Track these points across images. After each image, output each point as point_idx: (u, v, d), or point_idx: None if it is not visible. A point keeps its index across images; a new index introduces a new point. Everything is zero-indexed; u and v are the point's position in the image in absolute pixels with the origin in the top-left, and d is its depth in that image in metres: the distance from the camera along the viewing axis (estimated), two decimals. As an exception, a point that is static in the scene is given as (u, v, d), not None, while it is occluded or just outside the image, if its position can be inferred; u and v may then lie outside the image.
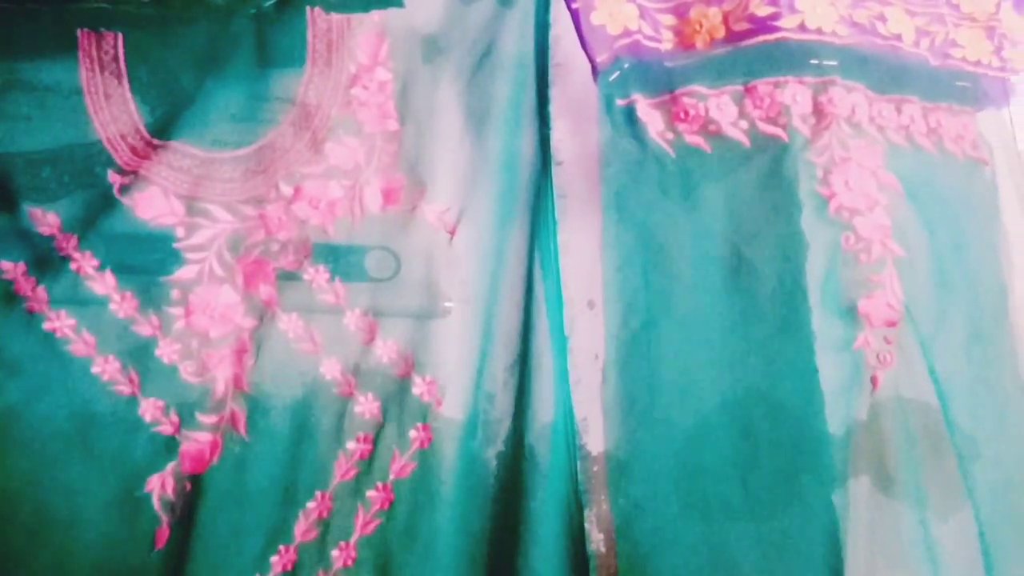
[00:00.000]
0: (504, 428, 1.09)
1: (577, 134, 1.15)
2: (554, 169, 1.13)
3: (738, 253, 1.07)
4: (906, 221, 1.09)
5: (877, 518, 1.03)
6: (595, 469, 1.08)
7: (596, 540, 1.06)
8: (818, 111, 1.09)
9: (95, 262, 1.02)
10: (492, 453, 1.08)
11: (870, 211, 1.08)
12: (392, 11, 1.15)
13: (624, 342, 1.09)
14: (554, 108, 1.15)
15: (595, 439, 1.08)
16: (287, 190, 1.08)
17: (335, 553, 1.02)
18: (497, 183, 1.14)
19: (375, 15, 1.14)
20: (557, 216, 1.12)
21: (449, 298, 1.11)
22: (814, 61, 1.10)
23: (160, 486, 0.99)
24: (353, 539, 1.03)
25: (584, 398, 1.08)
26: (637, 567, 1.04)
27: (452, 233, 1.12)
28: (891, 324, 1.06)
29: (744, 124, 1.10)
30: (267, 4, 1.12)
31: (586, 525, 1.06)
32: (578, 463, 1.07)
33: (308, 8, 1.13)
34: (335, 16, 1.14)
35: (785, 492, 1.02)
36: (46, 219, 1.03)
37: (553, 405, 1.09)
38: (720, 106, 1.10)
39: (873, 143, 1.11)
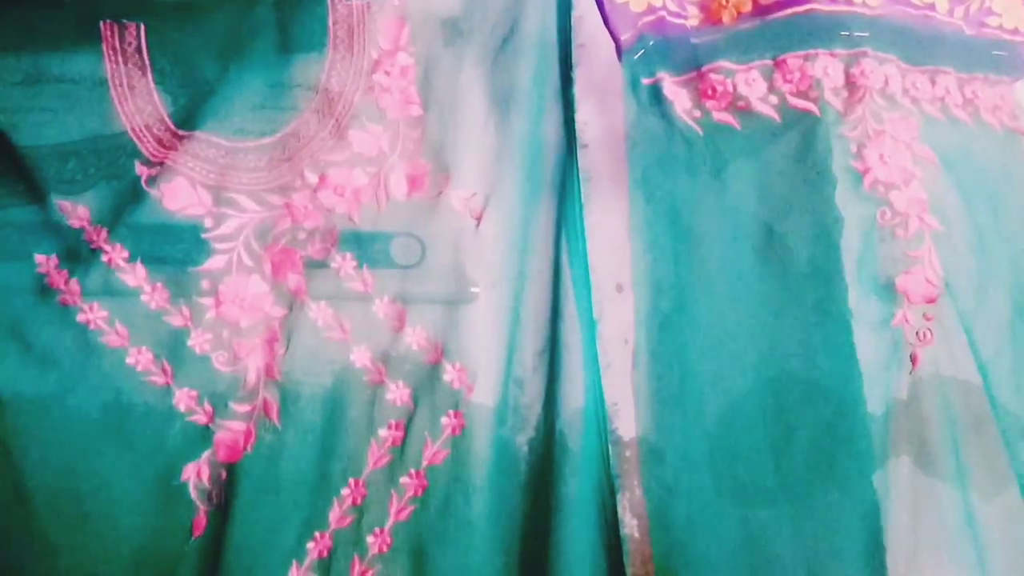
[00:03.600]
0: (535, 414, 1.09)
1: (602, 115, 1.13)
2: (579, 151, 1.12)
3: (770, 231, 1.05)
4: (943, 194, 1.07)
5: (919, 499, 1.01)
6: (627, 454, 1.07)
7: (630, 525, 1.05)
8: (850, 84, 1.06)
9: (125, 254, 1.03)
10: (523, 439, 1.08)
11: (906, 185, 1.06)
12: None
13: (654, 325, 1.07)
14: (578, 89, 1.13)
15: (627, 424, 1.07)
16: (312, 178, 1.08)
17: (370, 539, 1.03)
18: (522, 167, 1.13)
19: (395, 0, 1.13)
20: (583, 199, 1.11)
21: (476, 283, 1.10)
22: (844, 33, 1.07)
23: (196, 475, 1.00)
24: (388, 525, 1.03)
25: (614, 383, 1.07)
26: (672, 552, 1.03)
27: (478, 219, 1.11)
28: (930, 300, 1.04)
29: (774, 99, 1.07)
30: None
31: (619, 510, 1.05)
32: (610, 448, 1.06)
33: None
34: (355, 2, 1.13)
35: (822, 474, 1.00)
36: (76, 211, 1.03)
37: (583, 390, 1.08)
38: (749, 81, 1.08)
39: (907, 115, 1.08)
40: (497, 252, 1.11)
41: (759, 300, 1.04)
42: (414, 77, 1.13)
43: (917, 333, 1.03)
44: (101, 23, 1.06)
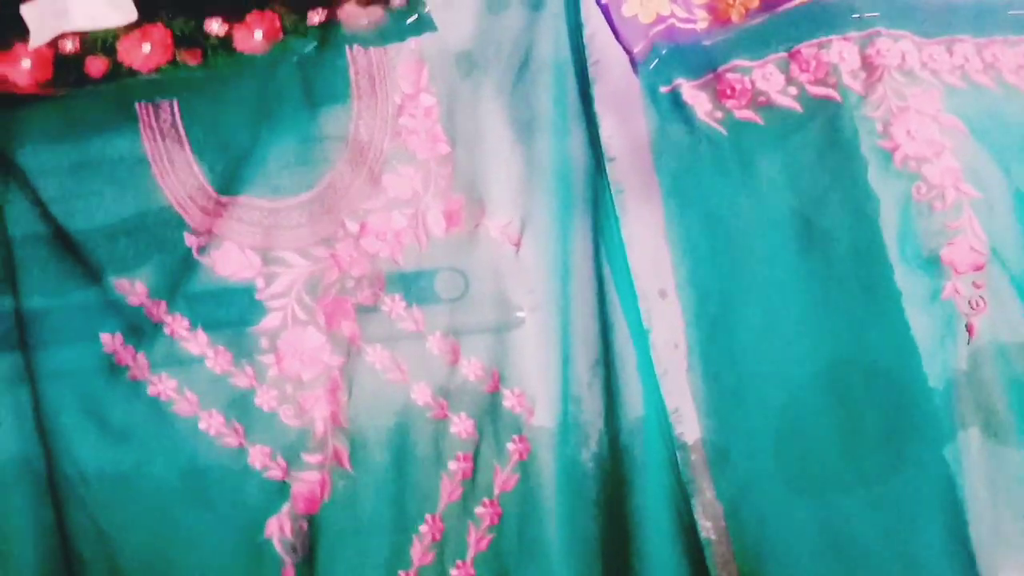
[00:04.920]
0: (596, 429, 1.10)
1: (625, 128, 1.15)
2: (608, 166, 1.14)
3: (807, 221, 1.06)
4: (976, 161, 1.06)
5: (993, 467, 1.01)
6: (694, 457, 1.08)
7: (706, 528, 1.06)
8: (867, 65, 1.07)
9: (186, 323, 1.06)
10: (588, 455, 1.09)
11: (937, 157, 1.06)
12: (427, 35, 1.17)
13: (704, 328, 1.08)
14: (599, 105, 1.15)
15: (690, 428, 1.08)
16: (353, 227, 1.11)
17: (454, 573, 1.04)
18: (554, 188, 1.15)
19: (411, 43, 1.16)
20: (618, 211, 1.12)
21: (521, 308, 1.12)
22: (855, 15, 1.08)
23: (279, 529, 1.03)
24: (469, 557, 1.05)
25: (672, 388, 1.09)
26: (752, 549, 1.04)
27: (517, 244, 1.13)
28: (978, 268, 1.04)
29: (793, 90, 1.08)
30: (307, 50, 1.14)
31: (695, 515, 1.06)
32: (677, 454, 1.07)
33: (347, 47, 1.15)
34: (373, 50, 1.16)
35: (893, 455, 1.00)
36: (133, 288, 1.07)
37: (642, 399, 1.10)
38: (766, 76, 1.09)
39: (929, 88, 1.09)
40: (539, 275, 1.13)
41: (805, 290, 1.05)
42: (438, 116, 1.16)
43: (969, 302, 1.03)
44: (136, 104, 1.10)
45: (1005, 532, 0.99)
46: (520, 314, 1.12)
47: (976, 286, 1.03)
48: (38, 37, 1.09)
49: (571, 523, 1.06)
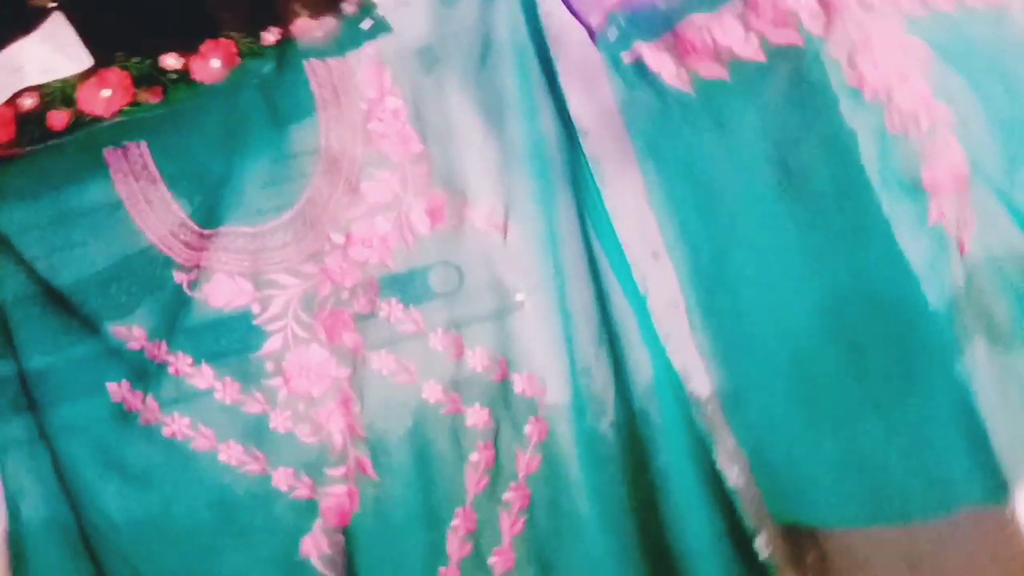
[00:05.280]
0: (609, 398, 1.11)
1: (593, 100, 1.15)
2: (582, 140, 1.14)
3: (786, 165, 1.06)
4: (945, 81, 1.07)
5: (1005, 377, 1.02)
6: (710, 410, 1.10)
7: (733, 475, 1.08)
8: (824, 5, 1.07)
9: (189, 359, 1.06)
10: (606, 425, 1.10)
11: (904, 82, 1.06)
12: (384, 37, 1.17)
13: (699, 283, 1.10)
14: (564, 82, 1.15)
15: (700, 384, 1.10)
16: (339, 238, 1.11)
17: (493, 560, 1.06)
18: (531, 170, 1.15)
19: (369, 47, 1.16)
20: (598, 183, 1.13)
21: (518, 291, 1.12)
22: (807, -45, 1.08)
23: (315, 546, 1.04)
24: (505, 542, 1.06)
25: (677, 348, 1.10)
26: (778, 490, 1.06)
27: (504, 230, 1.14)
28: (959, 186, 1.05)
29: (754, 40, 1.08)
30: (266, 71, 1.14)
31: (718, 466, 1.07)
32: (692, 411, 1.08)
33: (305, 62, 1.15)
34: (333, 61, 1.16)
35: (904, 379, 1.02)
36: (131, 333, 1.07)
37: (650, 363, 1.11)
38: (725, 29, 1.09)
39: (889, 19, 1.09)
40: (530, 256, 1.13)
41: (794, 232, 1.06)
42: (406, 116, 1.16)
43: (957, 221, 1.04)
44: (104, 151, 1.10)
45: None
46: (519, 297, 1.13)
47: (962, 205, 1.04)
48: (-5, 98, 1.09)
49: (600, 493, 1.07)
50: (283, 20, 1.18)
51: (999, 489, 0.98)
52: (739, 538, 1.06)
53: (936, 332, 1.00)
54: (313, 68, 1.16)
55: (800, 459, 1.05)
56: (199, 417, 1.05)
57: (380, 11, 1.19)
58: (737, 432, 1.07)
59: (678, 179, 1.10)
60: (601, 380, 1.11)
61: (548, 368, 1.11)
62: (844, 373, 1.04)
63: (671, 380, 1.10)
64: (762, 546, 1.07)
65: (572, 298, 1.13)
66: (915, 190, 1.04)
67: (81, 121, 1.11)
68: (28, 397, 1.05)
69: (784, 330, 1.07)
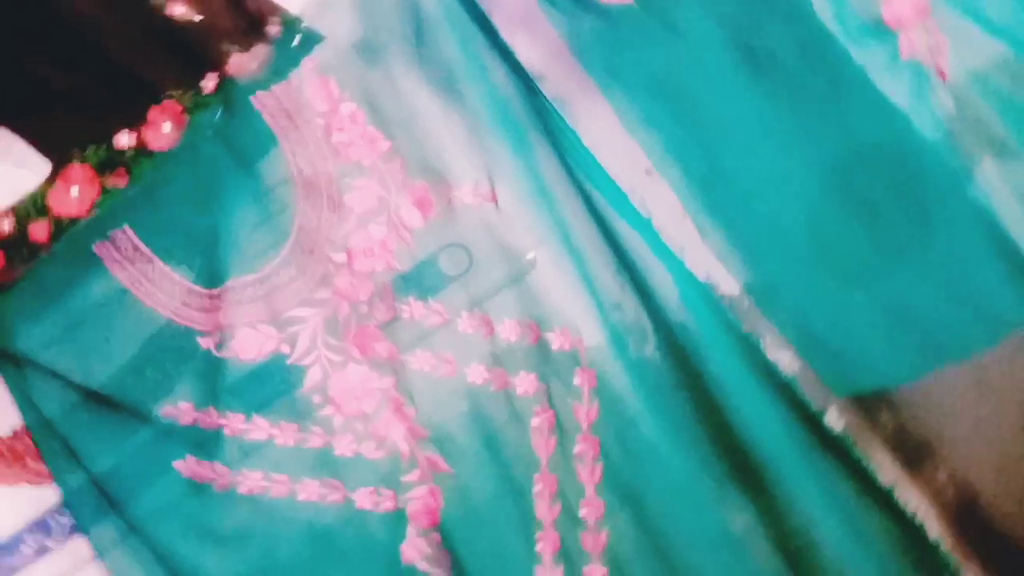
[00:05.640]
0: (646, 324, 1.12)
1: (538, 42, 1.14)
2: (540, 86, 1.13)
3: (749, 48, 1.04)
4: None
5: (1015, 185, 1.01)
6: (745, 307, 1.10)
7: (785, 363, 1.09)
8: None
9: (240, 417, 1.09)
10: (650, 350, 1.11)
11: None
12: (318, 47, 1.15)
13: (698, 190, 1.09)
14: (505, 34, 1.14)
15: (728, 285, 1.10)
16: (341, 257, 1.12)
17: (584, 512, 1.08)
18: (501, 131, 1.14)
19: (307, 63, 1.15)
20: (571, 124, 1.12)
21: (527, 250, 1.13)
22: None
23: (415, 550, 1.07)
24: (590, 492, 1.09)
25: (696, 258, 1.10)
26: (832, 363, 1.07)
27: (494, 199, 1.13)
28: (922, 14, 1.02)
29: (676, -68, 1.06)
30: (217, 119, 1.14)
31: (768, 358, 1.08)
32: (728, 314, 1.09)
33: (250, 98, 1.14)
34: (276, 88, 1.15)
35: (922, 218, 1.02)
36: (180, 410, 1.10)
37: (672, 281, 1.11)
38: (643, -69, 1.07)
39: None
40: (527, 213, 1.13)
41: (776, 110, 1.05)
42: (364, 118, 1.15)
43: (928, 48, 1.02)
44: (93, 247, 1.11)
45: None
46: (529, 256, 1.13)
47: (928, 32, 1.02)
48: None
49: (664, 416, 1.09)
50: (216, 63, 1.17)
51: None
52: (808, 421, 1.07)
53: (940, 163, 0.99)
54: (261, 100, 1.15)
55: (843, 327, 1.05)
56: (268, 467, 1.08)
57: (305, 23, 1.17)
58: (776, 320, 1.07)
59: (646, 95, 1.09)
60: (632, 310, 1.12)
61: (578, 316, 1.11)
62: (861, 229, 1.04)
63: (699, 290, 1.10)
64: (833, 422, 1.08)
65: (580, 240, 1.13)
66: (880, 31, 1.02)
67: (61, 226, 1.12)
68: (107, 499, 1.08)
69: (792, 206, 1.07)
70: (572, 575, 1.05)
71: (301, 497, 1.08)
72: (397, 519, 1.07)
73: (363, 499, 1.07)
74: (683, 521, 1.06)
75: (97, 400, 1.10)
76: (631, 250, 1.13)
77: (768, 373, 1.09)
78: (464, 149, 1.15)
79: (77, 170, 1.13)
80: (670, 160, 1.09)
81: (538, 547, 1.06)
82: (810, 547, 1.05)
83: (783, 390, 1.08)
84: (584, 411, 1.10)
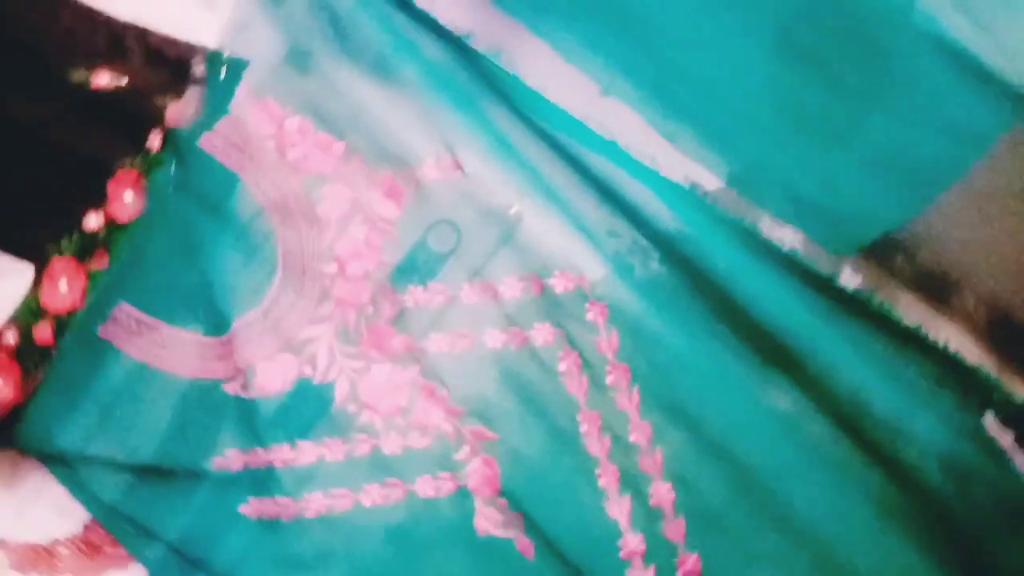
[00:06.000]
0: (643, 243, 1.12)
1: (455, 1, 1.12)
2: (471, 43, 1.12)
3: None
4: None
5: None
6: (731, 198, 1.10)
7: (787, 239, 1.09)
8: None
9: (285, 447, 1.11)
10: (655, 265, 1.11)
11: None
12: (248, 75, 1.15)
13: (653, 95, 1.09)
14: (420, 2, 1.14)
15: (709, 180, 1.10)
16: (331, 268, 1.13)
17: (633, 438, 1.09)
18: (446, 98, 1.14)
19: (241, 90, 1.15)
20: (511, 71, 1.11)
21: (509, 204, 1.13)
22: None
23: (488, 521, 1.09)
24: (634, 418, 1.10)
25: (670, 165, 1.11)
26: (830, 226, 1.07)
27: (460, 167, 1.13)
28: None
29: None
30: (173, 173, 1.14)
31: (769, 238, 1.08)
32: (717, 209, 1.09)
33: (197, 143, 1.15)
34: (219, 125, 1.15)
35: (875, 53, 1.00)
36: (229, 460, 1.12)
37: (654, 194, 1.12)
38: None
39: None
40: (497, 171, 1.14)
41: None
42: (312, 126, 1.15)
43: None
44: (96, 333, 1.13)
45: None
46: (513, 211, 1.13)
47: None
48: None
49: (684, 325, 1.10)
50: (156, 120, 1.18)
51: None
52: (825, 289, 1.08)
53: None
54: (209, 142, 1.16)
55: (832, 187, 1.05)
56: (327, 485, 1.11)
57: (227, 53, 1.17)
58: (766, 201, 1.07)
59: (576, 21, 1.08)
60: (626, 233, 1.12)
61: (575, 255, 1.12)
62: (822, 88, 1.03)
63: (683, 195, 1.10)
64: (848, 281, 1.08)
65: (556, 181, 1.13)
66: None
67: (62, 322, 1.13)
68: (190, 561, 1.11)
69: (750, 84, 1.07)
70: (639, 500, 1.07)
71: (367, 504, 1.10)
72: (462, 497, 1.09)
73: (424, 488, 1.10)
74: (730, 417, 1.07)
75: (151, 473, 1.13)
76: (607, 176, 1.13)
77: (773, 254, 1.09)
78: (416, 127, 1.15)
79: (59, 264, 1.15)
80: (618, 77, 1.08)
81: (601, 483, 1.08)
82: (858, 407, 1.06)
83: (792, 265, 1.09)
84: (606, 342, 1.11)
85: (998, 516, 1.03)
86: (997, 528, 1.03)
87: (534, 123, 1.13)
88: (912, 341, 1.08)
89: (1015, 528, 1.03)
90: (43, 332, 1.14)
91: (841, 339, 1.07)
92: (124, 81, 1.21)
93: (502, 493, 1.09)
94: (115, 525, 1.12)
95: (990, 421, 1.04)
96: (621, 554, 1.05)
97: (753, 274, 1.09)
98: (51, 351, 1.13)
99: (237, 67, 1.18)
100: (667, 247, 1.11)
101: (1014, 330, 1.06)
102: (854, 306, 1.08)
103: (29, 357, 1.13)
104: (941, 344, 1.07)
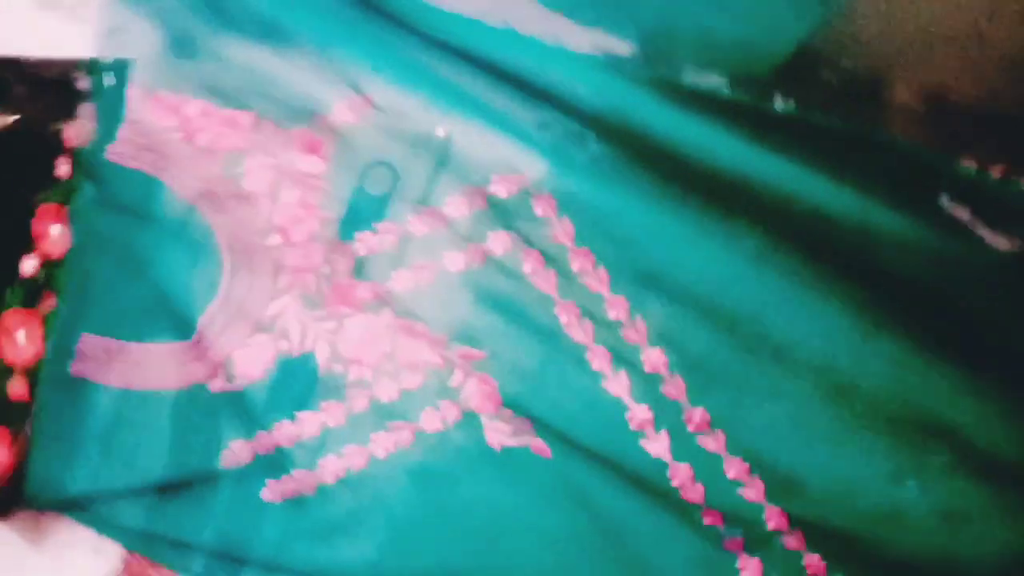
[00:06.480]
0: (573, 126, 1.11)
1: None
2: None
3: None
4: None
5: None
6: (647, 54, 1.08)
7: (713, 80, 1.08)
8: None
9: (285, 424, 1.12)
10: (593, 146, 1.10)
11: None
12: (135, 75, 1.13)
13: None
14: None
15: (619, 46, 1.09)
16: (276, 239, 1.13)
17: (612, 315, 1.09)
18: (336, 38, 1.12)
19: (132, 92, 1.13)
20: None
21: (434, 128, 1.11)
22: None
23: (499, 435, 1.09)
24: (607, 295, 1.09)
25: (576, 39, 1.09)
26: (741, 54, 1.05)
27: (371, 104, 1.11)
28: None
29: None
30: (91, 195, 1.12)
31: (692, 85, 1.08)
32: (639, 74, 1.08)
33: (104, 156, 1.12)
34: (121, 131, 1.13)
35: None
36: (236, 453, 1.13)
37: (569, 73, 1.10)
38: None
39: None
40: (410, 97, 1.11)
41: None
42: (212, 105, 1.13)
43: None
44: (69, 372, 1.12)
45: None
46: (440, 132, 1.12)
47: None
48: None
49: (638, 191, 1.08)
50: (57, 146, 1.15)
51: None
52: (761, 121, 1.07)
53: None
54: (116, 153, 1.13)
55: (740, 16, 1.03)
56: (337, 447, 1.11)
57: (106, 59, 1.14)
58: (681, 52, 1.06)
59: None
60: (555, 121, 1.10)
61: (510, 157, 1.11)
62: None
63: (597, 64, 1.09)
64: (780, 105, 1.08)
65: (473, 91, 1.11)
66: None
67: (31, 372, 1.13)
68: (233, 560, 1.12)
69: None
70: (634, 371, 1.08)
71: (381, 455, 1.11)
72: (468, 420, 1.10)
73: (430, 422, 1.11)
74: (700, 270, 1.07)
75: (168, 489, 1.14)
76: (523, 72, 1.11)
77: (703, 102, 1.08)
78: (318, 77, 1.12)
79: (11, 318, 1.13)
80: None
81: (594, 366, 1.09)
82: (821, 224, 1.06)
83: (725, 108, 1.08)
84: (561, 232, 1.10)
85: (976, 289, 1.04)
86: (978, 301, 1.05)
87: (435, 39, 1.11)
88: (856, 145, 1.07)
89: (994, 296, 1.04)
90: (17, 388, 1.13)
91: (790, 166, 1.07)
92: (13, 119, 1.18)
93: (504, 404, 1.09)
94: (151, 549, 1.13)
95: (946, 201, 1.04)
96: (631, 426, 1.07)
97: (690, 127, 1.08)
98: (30, 406, 1.13)
99: (121, 69, 1.14)
100: (600, 124, 1.10)
101: (952, 109, 1.06)
102: (794, 130, 1.08)
103: (11, 417, 1.12)
104: (886, 140, 1.07)
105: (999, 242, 1.03)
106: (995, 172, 1.06)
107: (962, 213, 1.04)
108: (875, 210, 1.04)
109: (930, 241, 1.04)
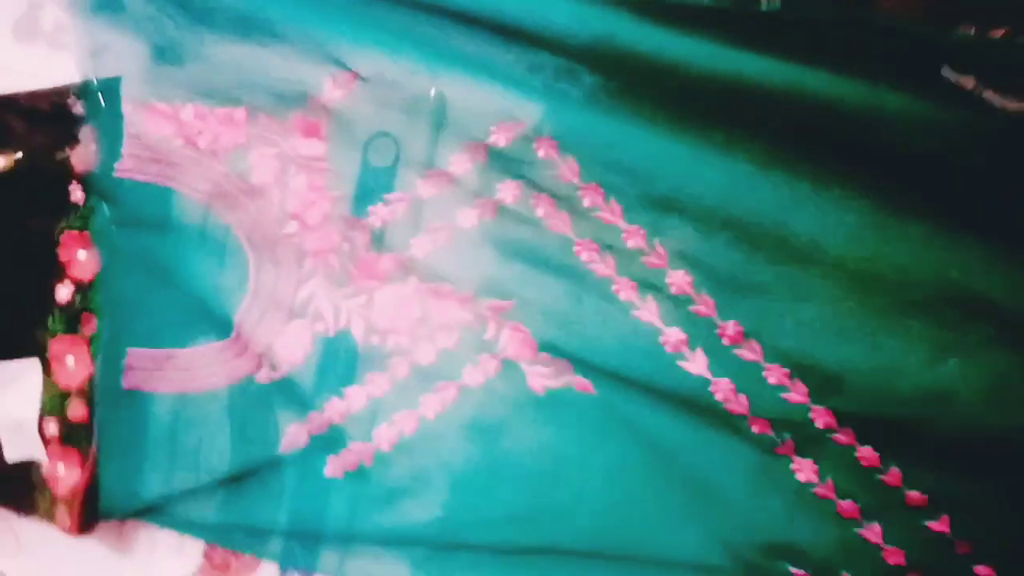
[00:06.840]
0: (563, 63, 1.10)
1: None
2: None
3: None
4: None
5: None
6: None
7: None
8: None
9: (335, 400, 1.15)
10: (587, 79, 1.09)
11: None
12: (125, 90, 1.15)
13: None
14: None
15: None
16: (293, 227, 1.15)
17: (630, 244, 1.09)
18: (313, 19, 1.12)
19: (127, 108, 1.15)
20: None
21: (428, 91, 1.11)
22: None
23: (541, 378, 1.10)
24: (623, 226, 1.09)
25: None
26: None
27: (360, 76, 1.12)
28: None
29: None
30: (108, 216, 1.15)
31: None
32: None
33: (113, 175, 1.14)
34: (125, 148, 1.15)
35: None
36: (294, 438, 1.17)
37: (548, 12, 1.09)
38: None
39: None
40: (396, 63, 1.11)
41: None
42: (204, 107, 1.15)
43: None
44: (121, 386, 1.16)
45: None
46: (433, 93, 1.12)
47: None
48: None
49: (640, 113, 1.08)
50: (67, 175, 1.18)
51: None
52: (751, 24, 1.06)
53: None
54: (124, 170, 1.15)
55: None
56: (388, 413, 1.13)
57: (95, 80, 1.15)
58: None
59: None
60: (545, 61, 1.10)
61: (506, 106, 1.10)
62: None
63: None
64: (764, 2, 1.06)
65: (456, 45, 1.11)
66: None
67: (87, 395, 1.17)
68: (310, 539, 1.16)
69: None
70: (662, 296, 1.08)
71: (431, 416, 1.14)
72: (509, 369, 1.12)
73: (473, 377, 1.13)
74: (709, 185, 1.07)
75: (236, 481, 1.18)
76: (499, 14, 1.10)
77: (692, 15, 1.07)
78: (301, 61, 1.13)
79: (57, 345, 1.18)
80: None
81: (621, 297, 1.10)
82: (824, 112, 1.05)
83: (709, 16, 1.07)
84: (567, 171, 1.10)
85: (989, 156, 1.03)
86: (992, 168, 1.03)
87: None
88: (849, 32, 1.05)
89: (1008, 160, 1.03)
90: (76, 411, 1.17)
91: (784, 64, 1.05)
92: (19, 155, 1.20)
93: (541, 349, 1.11)
94: (229, 539, 1.18)
95: (948, 72, 1.02)
96: (668, 349, 1.08)
97: (678, 42, 1.07)
98: (91, 425, 1.17)
99: (111, 87, 1.16)
100: (590, 56, 1.09)
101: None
102: (784, 28, 1.06)
103: (78, 438, 1.17)
104: (878, 21, 1.05)
105: (1008, 104, 1.01)
106: (996, 35, 1.03)
107: (967, 81, 1.01)
108: (877, 93, 1.02)
109: (937, 114, 1.02)
